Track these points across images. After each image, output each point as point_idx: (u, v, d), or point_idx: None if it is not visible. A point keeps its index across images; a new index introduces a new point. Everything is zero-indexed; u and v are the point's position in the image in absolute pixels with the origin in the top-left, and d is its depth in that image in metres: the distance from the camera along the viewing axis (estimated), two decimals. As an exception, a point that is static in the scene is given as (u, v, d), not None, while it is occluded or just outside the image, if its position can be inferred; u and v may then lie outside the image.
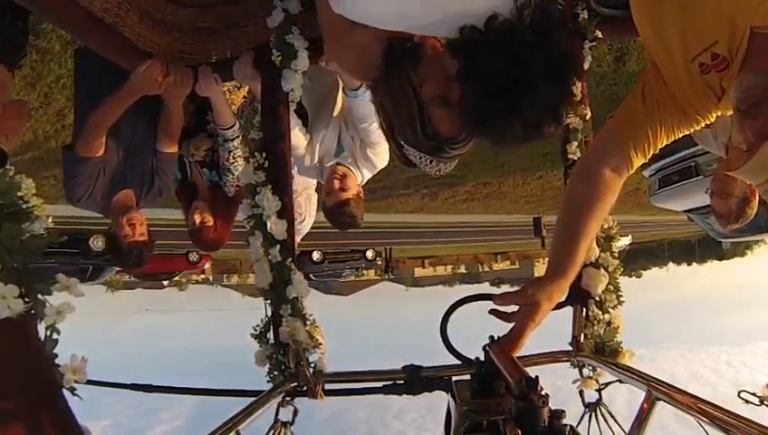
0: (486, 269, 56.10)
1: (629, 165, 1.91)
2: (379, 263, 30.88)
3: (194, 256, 19.95)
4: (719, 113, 1.76)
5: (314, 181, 4.03)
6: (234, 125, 3.46)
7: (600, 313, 2.60)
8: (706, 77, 1.64)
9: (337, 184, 3.38)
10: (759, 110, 1.44)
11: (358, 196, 3.46)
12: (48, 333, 1.63)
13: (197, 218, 3.65)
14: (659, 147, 1.88)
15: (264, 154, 2.61)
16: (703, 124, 1.82)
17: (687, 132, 1.86)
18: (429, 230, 26.42)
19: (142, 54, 2.66)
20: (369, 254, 27.47)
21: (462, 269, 57.16)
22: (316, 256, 21.22)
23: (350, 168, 3.50)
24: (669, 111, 1.79)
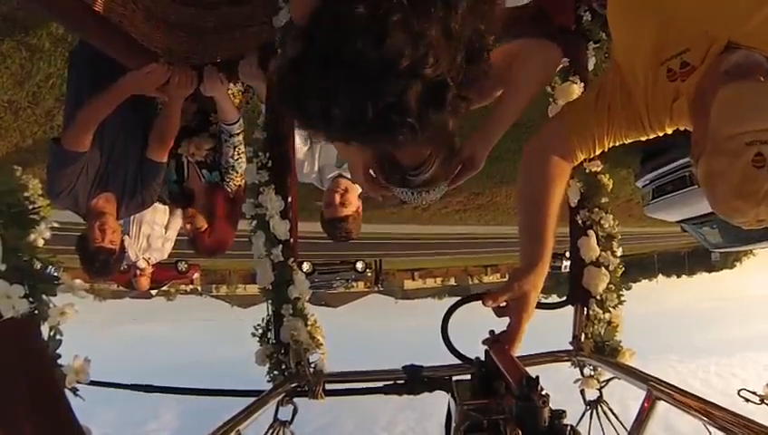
0: (476, 282, 55.98)
1: (574, 159, 1.95)
2: (369, 275, 30.89)
3: (182, 266, 19.82)
4: (669, 130, 1.76)
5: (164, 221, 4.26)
6: (238, 120, 3.45)
7: (601, 311, 2.61)
8: (672, 84, 1.63)
9: (337, 198, 3.38)
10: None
11: (357, 212, 3.47)
12: (51, 333, 1.63)
13: (189, 226, 3.60)
14: (604, 149, 1.91)
15: (267, 154, 2.62)
16: (651, 135, 1.82)
17: (636, 139, 1.87)
18: (420, 242, 26.38)
19: (147, 54, 2.66)
20: (359, 265, 27.53)
21: (452, 282, 57.02)
22: (306, 267, 21.20)
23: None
24: (618, 118, 1.80)
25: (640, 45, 1.71)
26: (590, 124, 1.86)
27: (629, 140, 1.86)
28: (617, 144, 1.88)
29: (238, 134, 3.46)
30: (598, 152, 1.93)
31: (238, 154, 3.50)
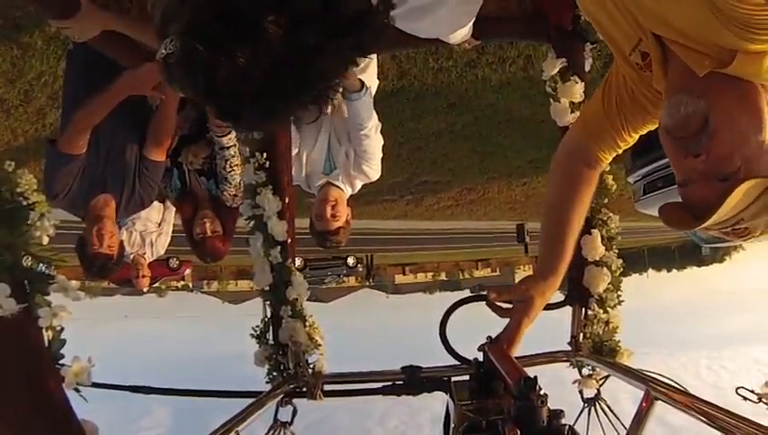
0: (467, 276, 56.18)
1: (600, 162, 1.89)
2: (361, 270, 31.00)
3: (174, 262, 19.80)
4: None
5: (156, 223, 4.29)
6: (229, 133, 3.41)
7: (601, 311, 2.62)
8: (646, 74, 1.52)
9: (329, 211, 3.37)
10: (699, 141, 1.26)
11: (347, 223, 3.47)
12: (50, 334, 1.63)
13: (208, 227, 3.58)
14: (631, 142, 1.82)
15: (264, 154, 2.62)
16: None
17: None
18: (411, 237, 26.43)
19: (143, 52, 2.64)
20: (351, 261, 27.62)
21: (442, 276, 57.21)
22: (297, 262, 21.20)
23: (342, 186, 3.50)
24: (629, 109, 1.72)
25: (609, 39, 1.61)
26: (604, 124, 1.80)
27: (653, 126, 1.71)
28: (640, 133, 1.79)
29: (230, 147, 3.42)
30: (624, 148, 1.85)
31: (230, 167, 3.46)
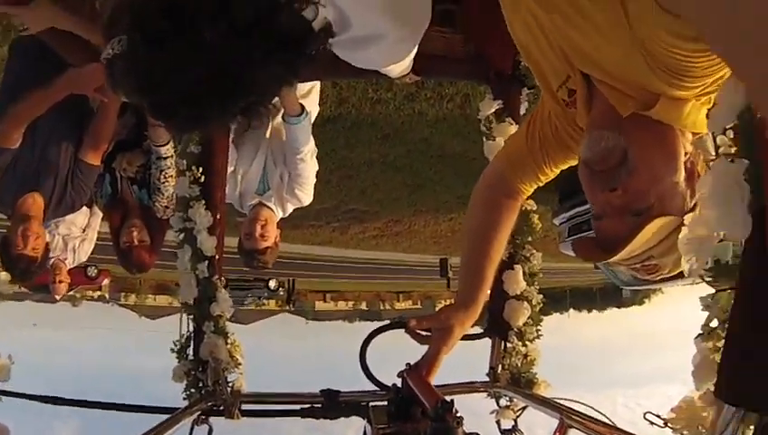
0: (388, 307, 56.15)
1: (520, 193, 1.93)
2: (282, 293, 30.71)
3: (92, 271, 19.25)
4: None
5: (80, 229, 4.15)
6: (167, 143, 3.36)
7: (520, 344, 2.67)
8: (570, 111, 1.56)
9: (258, 230, 3.40)
10: (617, 176, 1.30)
11: (275, 244, 3.51)
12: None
13: (136, 236, 3.50)
14: (551, 176, 1.86)
15: (200, 168, 2.62)
16: None
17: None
18: (335, 264, 26.34)
19: (90, 52, 2.60)
20: (272, 283, 27.34)
21: (363, 306, 57.03)
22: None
23: (273, 208, 3.54)
24: (551, 145, 1.75)
25: (537, 72, 1.64)
26: (526, 159, 1.83)
27: (574, 163, 1.65)
28: (564, 167, 1.81)
29: (166, 158, 3.38)
30: (545, 181, 1.89)
31: (165, 178, 3.41)
